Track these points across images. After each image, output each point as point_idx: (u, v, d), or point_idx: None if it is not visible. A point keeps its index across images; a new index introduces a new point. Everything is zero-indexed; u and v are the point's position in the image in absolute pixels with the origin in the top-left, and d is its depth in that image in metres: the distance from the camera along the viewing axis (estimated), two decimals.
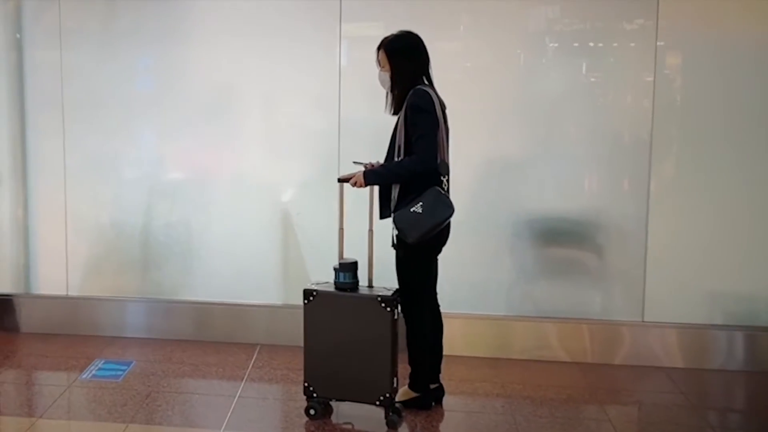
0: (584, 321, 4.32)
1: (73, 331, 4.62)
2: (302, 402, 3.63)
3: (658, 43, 4.18)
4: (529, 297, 4.36)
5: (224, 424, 3.57)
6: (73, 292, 4.68)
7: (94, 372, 4.12)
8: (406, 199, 3.43)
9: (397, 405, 3.56)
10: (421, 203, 3.38)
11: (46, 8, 4.56)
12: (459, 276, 4.36)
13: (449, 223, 3.54)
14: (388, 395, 3.47)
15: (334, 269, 3.55)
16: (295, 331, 4.40)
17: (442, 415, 3.71)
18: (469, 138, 4.33)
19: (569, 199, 4.32)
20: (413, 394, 3.67)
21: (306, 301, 3.53)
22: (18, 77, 4.63)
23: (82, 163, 4.64)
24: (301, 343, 3.62)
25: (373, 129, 4.35)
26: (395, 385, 3.52)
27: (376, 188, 3.57)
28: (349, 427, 3.60)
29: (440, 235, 3.52)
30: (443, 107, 3.55)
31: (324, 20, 4.39)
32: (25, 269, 4.76)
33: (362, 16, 4.37)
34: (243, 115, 4.53)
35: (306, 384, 3.57)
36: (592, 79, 4.32)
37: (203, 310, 4.55)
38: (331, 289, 3.54)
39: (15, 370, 4.19)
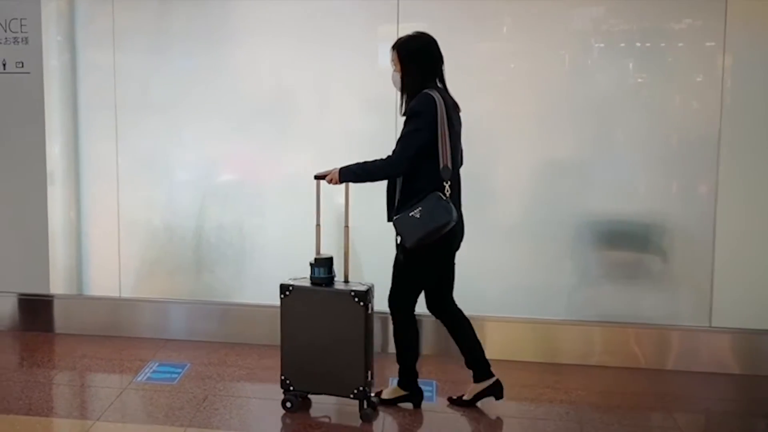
0: (649, 326, 4.19)
1: (126, 333, 4.60)
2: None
3: (726, 42, 4.05)
4: (591, 301, 4.24)
5: (280, 428, 3.53)
6: (125, 294, 4.66)
7: (149, 374, 4.08)
8: (407, 204, 3.41)
9: (466, 399, 3.64)
10: (420, 208, 3.36)
11: (100, 9, 4.55)
12: (517, 280, 4.27)
13: (460, 229, 3.51)
14: (361, 388, 3.52)
15: (310, 264, 3.59)
16: None
17: (502, 422, 3.62)
18: (524, 140, 4.26)
19: (633, 202, 4.20)
20: (481, 387, 3.66)
21: (282, 296, 3.58)
22: (71, 79, 4.63)
23: (135, 165, 4.62)
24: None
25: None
26: (369, 378, 3.57)
27: (359, 186, 3.58)
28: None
29: (447, 241, 3.46)
30: (456, 110, 3.51)
31: (381, 20, 4.31)
32: (78, 271, 4.75)
33: (420, 16, 4.28)
34: (296, 117, 4.47)
35: (282, 377, 3.63)
36: (656, 79, 4.19)
37: (256, 313, 4.48)
38: (307, 283, 3.58)
39: (70, 372, 4.16)
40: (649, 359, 4.19)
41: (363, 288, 3.53)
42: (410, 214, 3.37)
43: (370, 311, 3.53)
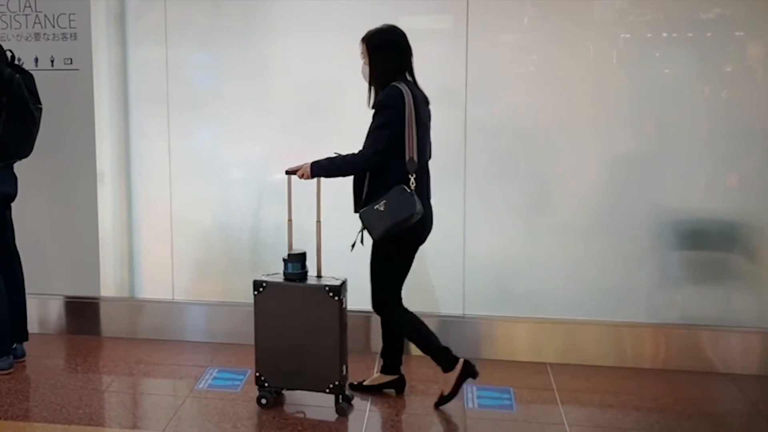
0: (736, 329, 3.98)
1: (180, 336, 4.43)
2: (454, 418, 3.49)
3: None
4: (674, 303, 4.04)
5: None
6: (179, 297, 4.50)
7: (209, 381, 3.92)
8: (374, 196, 3.44)
9: (447, 394, 3.58)
10: (384, 201, 3.39)
11: (151, 4, 4.39)
12: (594, 281, 4.10)
13: (429, 222, 3.52)
14: (337, 383, 3.52)
15: (283, 260, 3.57)
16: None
17: None
18: (595, 135, 4.08)
19: (718, 199, 4.01)
20: (454, 374, 3.57)
21: (256, 293, 3.56)
22: (122, 75, 4.47)
23: (188, 163, 4.46)
24: (417, 351, 3.75)
25: (503, 123, 4.14)
26: (344, 372, 3.57)
27: (326, 181, 3.59)
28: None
29: (414, 233, 3.48)
30: (426, 102, 3.52)
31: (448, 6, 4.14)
32: (129, 272, 4.60)
33: (489, 10, 4.08)
34: (354, 112, 4.26)
35: (257, 374, 3.61)
36: (730, 70, 4.00)
37: None
38: (280, 279, 3.55)
39: (127, 378, 4.01)
40: (734, 364, 3.97)
41: (337, 282, 3.54)
42: (375, 207, 3.40)
43: (344, 306, 3.54)
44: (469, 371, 3.58)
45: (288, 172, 3.60)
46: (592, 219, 4.11)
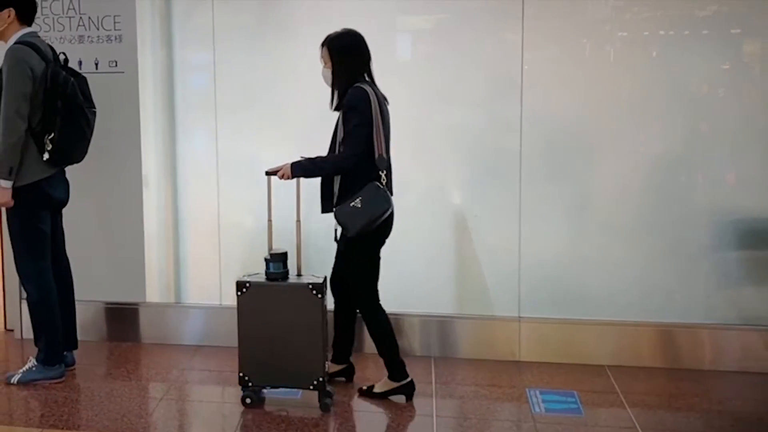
0: None
1: (228, 343, 4.30)
2: (523, 423, 3.45)
3: None
4: (734, 304, 4.01)
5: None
6: (227, 302, 4.41)
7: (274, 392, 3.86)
8: (347, 194, 3.54)
9: (376, 392, 3.71)
10: (360, 198, 3.51)
11: (199, 5, 4.32)
12: (650, 281, 4.06)
13: (391, 218, 3.63)
14: (321, 379, 3.59)
15: (265, 260, 3.63)
16: (471, 343, 4.22)
17: None
18: (648, 133, 4.05)
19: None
20: (394, 384, 3.71)
21: (239, 293, 3.62)
22: (168, 78, 4.41)
23: (236, 166, 4.39)
24: (472, 355, 4.06)
25: (557, 122, 4.11)
26: (327, 369, 3.65)
27: (306, 181, 3.68)
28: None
29: (382, 229, 3.60)
30: (385, 102, 3.65)
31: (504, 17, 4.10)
32: (175, 277, 4.54)
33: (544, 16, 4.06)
34: (410, 111, 4.22)
35: (241, 374, 3.66)
36: None
37: None
38: (263, 279, 3.62)
39: (182, 385, 3.96)
40: None
41: (319, 280, 3.61)
42: (351, 204, 3.51)
43: (325, 303, 3.60)
44: (409, 390, 3.72)
45: (268, 173, 3.68)
46: (648, 219, 4.08)
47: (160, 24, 4.40)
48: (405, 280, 4.24)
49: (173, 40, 4.39)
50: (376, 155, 3.55)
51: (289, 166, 3.62)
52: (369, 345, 3.98)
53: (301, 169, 3.62)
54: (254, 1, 4.31)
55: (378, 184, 3.55)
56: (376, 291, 3.74)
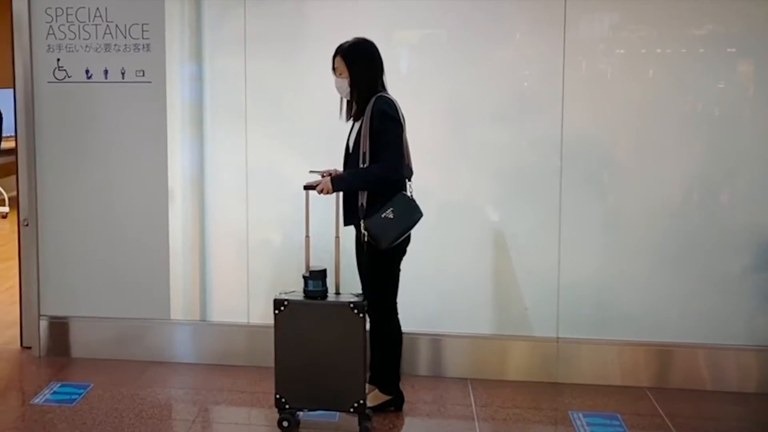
0: None
1: (257, 362, 4.21)
2: None
3: None
4: None
5: None
6: (255, 320, 4.30)
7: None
8: (375, 206, 3.47)
9: (367, 410, 3.55)
10: (391, 209, 3.44)
11: (230, 14, 4.20)
12: (691, 302, 3.99)
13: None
14: (361, 402, 3.47)
15: (304, 277, 3.54)
16: (508, 365, 4.12)
17: None
18: (693, 151, 3.99)
19: None
20: (385, 397, 3.70)
21: (276, 312, 3.50)
22: (197, 88, 4.27)
23: (265, 179, 4.27)
24: (509, 376, 3.99)
25: (602, 138, 4.04)
26: (366, 391, 3.55)
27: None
28: None
29: (406, 240, 3.58)
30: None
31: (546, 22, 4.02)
32: (201, 294, 4.38)
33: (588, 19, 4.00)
34: (448, 127, 4.15)
35: (278, 396, 3.53)
36: None
37: (406, 342, 4.05)
38: (302, 297, 3.51)
39: (214, 407, 3.82)
40: None
41: (360, 299, 3.52)
42: (383, 216, 3.43)
43: (366, 322, 3.49)
44: (399, 402, 3.72)
45: (306, 188, 3.59)
46: (689, 238, 4.00)
47: (189, 32, 4.28)
48: (441, 299, 4.14)
49: (203, 49, 4.27)
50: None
51: (328, 180, 3.53)
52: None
53: (344, 182, 3.53)
54: (288, 8, 4.20)
55: (405, 193, 3.51)
56: (396, 302, 3.68)
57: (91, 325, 4.39)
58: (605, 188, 4.06)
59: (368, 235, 3.47)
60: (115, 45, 4.26)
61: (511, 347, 4.12)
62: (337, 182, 3.52)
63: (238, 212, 4.30)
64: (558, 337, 4.07)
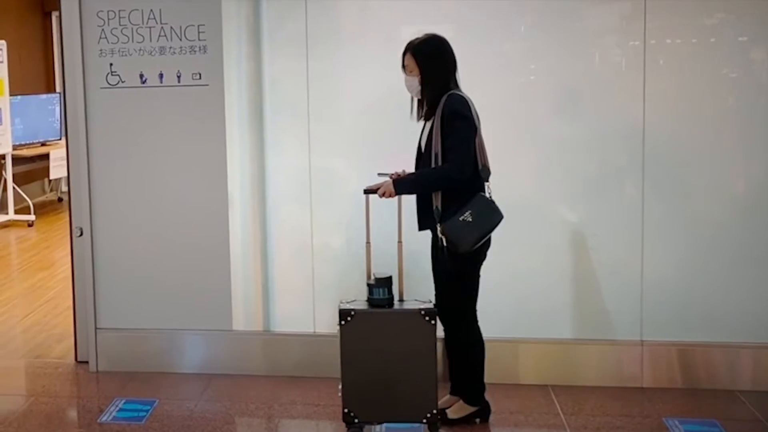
0: None
1: (324, 373, 4.02)
2: None
3: None
4: None
5: None
6: (321, 329, 4.12)
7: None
8: (451, 208, 3.31)
9: (452, 418, 3.50)
10: (469, 211, 3.29)
11: (290, 13, 4.03)
12: None
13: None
14: (435, 411, 3.34)
15: (369, 285, 3.41)
16: (591, 370, 3.96)
17: None
18: None
19: None
20: (471, 409, 3.54)
21: (343, 322, 3.36)
22: (256, 90, 4.11)
23: (330, 182, 4.10)
24: (592, 382, 3.80)
25: (686, 134, 3.88)
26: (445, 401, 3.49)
27: (406, 198, 3.46)
28: None
29: (486, 243, 3.41)
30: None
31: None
32: (264, 303, 4.22)
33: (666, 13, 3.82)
34: (527, 124, 3.97)
35: (346, 410, 3.38)
36: None
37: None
38: (368, 307, 3.39)
39: (289, 421, 3.68)
40: None
41: (430, 305, 3.39)
42: (461, 219, 3.28)
43: (436, 329, 3.36)
44: (486, 414, 3.57)
45: (367, 191, 3.47)
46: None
47: (247, 33, 4.12)
48: (518, 304, 3.97)
49: (262, 50, 4.10)
50: (480, 165, 3.37)
51: (391, 182, 3.38)
52: None
53: (407, 185, 3.39)
54: (351, 5, 4.05)
55: (484, 195, 3.35)
56: (476, 309, 3.53)
57: (150, 338, 4.23)
58: (691, 184, 3.87)
59: (446, 240, 3.31)
60: (170, 48, 4.10)
61: (593, 351, 3.94)
62: (399, 185, 3.38)
63: (301, 217, 4.14)
64: (642, 340, 3.89)
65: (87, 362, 4.28)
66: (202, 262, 4.19)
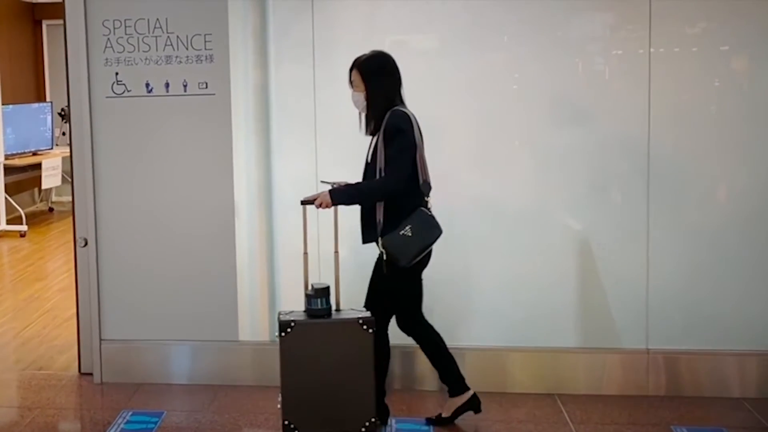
0: None
1: None
2: None
3: None
4: None
5: None
6: None
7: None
8: (393, 223, 3.37)
9: (445, 417, 3.58)
10: (409, 226, 3.35)
11: (297, 21, 4.04)
12: None
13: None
14: (374, 420, 3.39)
15: (307, 295, 3.45)
16: (596, 378, 3.98)
17: None
18: None
19: None
20: (459, 402, 3.58)
21: (283, 334, 3.38)
22: (263, 99, 4.12)
23: None
24: (597, 390, 3.82)
25: (691, 140, 3.92)
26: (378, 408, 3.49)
27: (349, 209, 3.52)
28: None
29: (427, 256, 3.47)
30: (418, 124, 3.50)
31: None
32: (271, 313, 4.20)
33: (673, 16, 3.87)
34: (530, 131, 4.00)
35: (286, 422, 3.40)
36: None
37: (486, 357, 3.98)
38: (307, 317, 3.42)
39: None
40: None
41: (368, 313, 3.42)
42: (401, 233, 3.34)
43: (374, 337, 3.41)
44: (474, 404, 3.57)
45: (303, 202, 3.50)
46: None
47: (254, 41, 4.13)
48: (527, 312, 3.98)
49: (269, 59, 4.11)
50: (421, 180, 3.42)
51: (327, 193, 3.43)
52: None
53: (343, 196, 3.44)
54: (358, 14, 4.07)
55: (425, 210, 3.41)
56: (421, 310, 3.60)
57: (155, 349, 4.21)
58: (696, 191, 3.92)
59: (386, 254, 3.37)
60: (177, 57, 4.10)
61: (599, 360, 3.97)
62: (335, 195, 3.42)
63: (309, 226, 4.13)
64: (648, 348, 3.92)
65: (91, 374, 4.25)
66: (208, 272, 4.17)
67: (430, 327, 3.61)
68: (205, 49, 4.09)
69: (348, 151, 4.11)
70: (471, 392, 3.57)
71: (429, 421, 3.65)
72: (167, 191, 4.17)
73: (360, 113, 3.54)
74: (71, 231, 4.34)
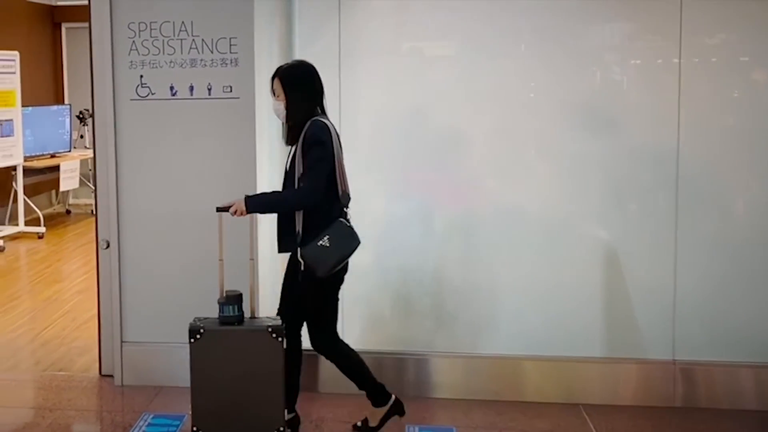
0: None
1: (353, 389, 4.00)
2: None
3: None
4: None
5: None
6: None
7: None
8: (311, 233, 3.37)
9: (372, 426, 3.57)
10: (327, 236, 3.37)
11: (324, 28, 4.06)
12: None
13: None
14: (282, 428, 3.40)
15: (219, 303, 3.46)
16: (623, 389, 3.94)
17: None
18: None
19: None
20: (384, 410, 3.59)
21: (192, 340, 3.40)
22: None
23: (359, 197, 3.98)
24: (623, 401, 3.75)
25: (721, 149, 3.89)
26: (286, 417, 3.51)
27: (266, 217, 3.59)
28: None
29: (343, 268, 3.49)
30: (338, 135, 3.51)
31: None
32: None
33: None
34: (557, 140, 3.98)
35: (195, 428, 3.41)
36: None
37: (510, 366, 3.95)
38: (218, 324, 3.43)
39: None
40: None
41: (278, 322, 3.44)
42: (319, 244, 3.35)
43: (284, 346, 3.43)
44: (399, 409, 3.60)
45: (219, 209, 3.50)
46: None
47: (279, 46, 4.13)
48: (552, 321, 3.96)
49: None
50: (340, 192, 3.43)
51: (242, 201, 3.43)
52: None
53: (259, 204, 3.44)
54: (385, 21, 4.07)
55: (344, 221, 3.43)
56: (335, 328, 3.60)
57: (177, 351, 4.15)
58: (725, 201, 3.90)
59: (304, 264, 3.37)
60: (202, 60, 4.09)
61: (624, 370, 3.93)
62: (251, 203, 3.42)
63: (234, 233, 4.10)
64: (675, 360, 3.88)
65: (111, 376, 4.25)
66: (229, 275, 4.15)
67: (345, 343, 3.61)
68: (230, 52, 4.08)
69: (371, 159, 4.14)
70: (393, 398, 3.59)
71: (356, 428, 3.64)
72: (190, 194, 4.16)
73: (282, 123, 3.52)
74: (88, 233, 4.36)
